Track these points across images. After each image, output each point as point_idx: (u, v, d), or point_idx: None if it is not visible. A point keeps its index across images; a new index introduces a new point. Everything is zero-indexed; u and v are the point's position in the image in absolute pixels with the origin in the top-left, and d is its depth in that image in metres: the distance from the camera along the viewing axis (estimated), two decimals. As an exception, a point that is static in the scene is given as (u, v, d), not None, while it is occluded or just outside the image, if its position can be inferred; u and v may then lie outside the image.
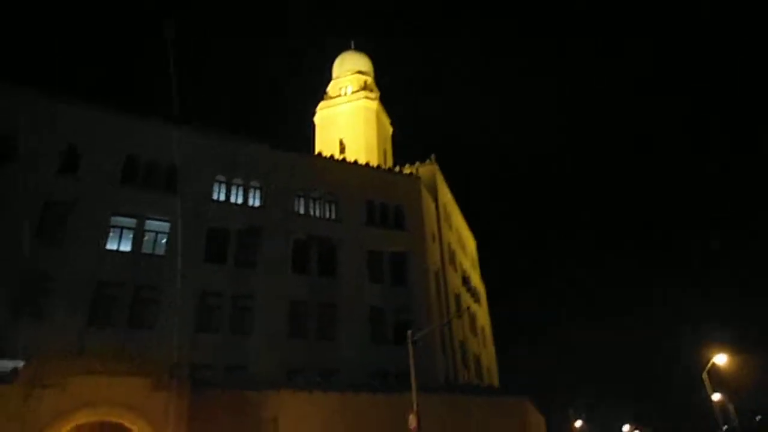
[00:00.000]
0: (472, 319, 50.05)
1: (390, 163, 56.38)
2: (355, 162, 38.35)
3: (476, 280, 57.25)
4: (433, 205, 42.93)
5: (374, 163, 46.44)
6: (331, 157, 37.07)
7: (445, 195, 47.71)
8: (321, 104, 58.94)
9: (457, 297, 44.64)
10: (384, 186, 37.74)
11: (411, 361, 20.03)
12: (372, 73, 62.83)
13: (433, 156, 46.18)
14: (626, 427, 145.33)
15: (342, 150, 54.23)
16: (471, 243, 59.07)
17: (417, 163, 46.48)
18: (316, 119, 58.65)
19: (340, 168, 36.95)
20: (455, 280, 44.42)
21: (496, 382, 57.25)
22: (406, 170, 44.45)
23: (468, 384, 34.68)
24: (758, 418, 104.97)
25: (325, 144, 55.59)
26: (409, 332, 20.59)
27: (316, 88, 63.02)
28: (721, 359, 45.42)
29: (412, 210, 38.06)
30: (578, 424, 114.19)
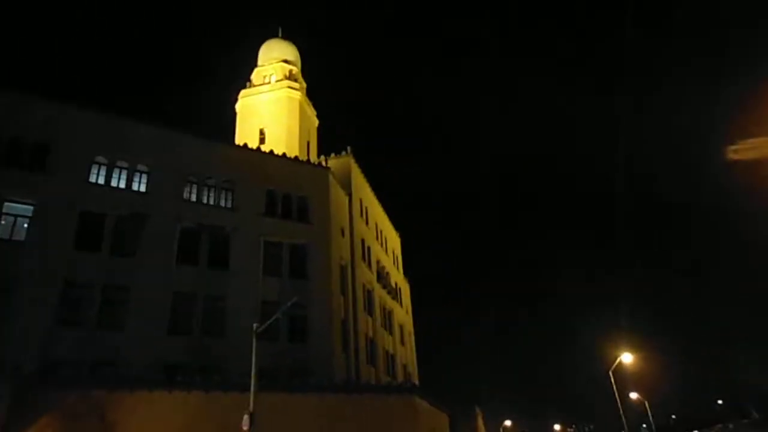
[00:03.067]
0: (388, 316, 49.19)
1: (314, 155, 54.72)
2: (258, 149, 36.67)
3: (398, 277, 56.52)
4: (345, 199, 41.66)
5: (295, 154, 44.71)
6: (231, 142, 35.07)
7: (362, 189, 46.59)
8: (243, 92, 56.48)
9: (369, 293, 43.58)
10: (288, 176, 36.09)
11: (253, 357, 18.54)
12: (299, 64, 60.93)
13: (349, 148, 44.98)
14: (557, 426, 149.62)
15: (262, 140, 52.04)
16: (394, 240, 58.29)
17: (332, 155, 45.13)
18: (238, 107, 56.15)
19: (240, 155, 35.05)
20: (367, 276, 43.33)
21: (415, 380, 56.72)
22: (330, 163, 43.00)
23: (357, 382, 33.47)
24: (673, 417, 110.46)
25: (245, 133, 53.22)
26: (255, 325, 19.08)
27: (244, 75, 60.13)
28: (627, 358, 46.64)
29: (317, 202, 36.60)
30: (508, 423, 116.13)
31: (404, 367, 52.37)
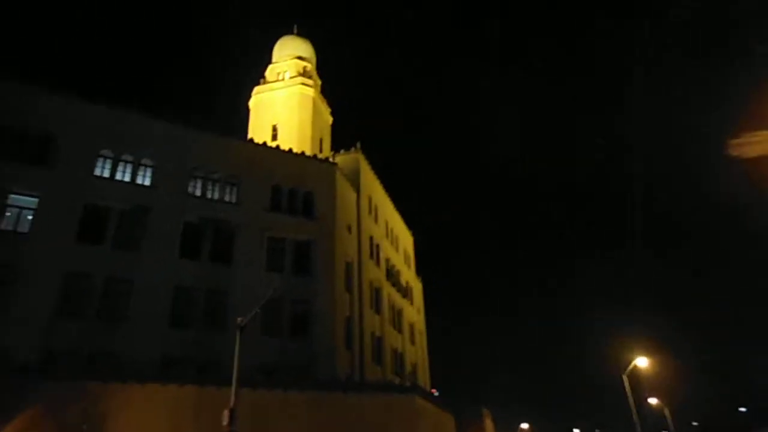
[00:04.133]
0: (397, 314, 48.65)
1: (327, 153, 54.50)
2: (264, 144, 36.37)
3: (409, 276, 55.92)
4: (353, 195, 41.26)
5: (308, 152, 44.52)
6: (239, 137, 34.95)
7: (372, 186, 46.13)
8: (257, 88, 56.58)
9: (377, 291, 43.11)
10: (294, 171, 35.85)
11: (237, 350, 18.24)
12: (313, 60, 60.79)
13: (358, 144, 44.55)
14: (576, 430, 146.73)
15: (275, 137, 52.04)
16: (406, 238, 57.69)
17: (341, 152, 44.79)
18: (251, 104, 56.26)
19: (246, 149, 34.91)
20: (375, 273, 42.86)
21: (426, 381, 56.07)
22: (338, 159, 42.68)
23: (356, 380, 33.01)
24: (694, 424, 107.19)
25: (258, 130, 53.30)
26: (239, 319, 18.76)
27: (258, 72, 60.28)
28: (642, 362, 45.14)
29: (323, 198, 36.27)
30: (525, 426, 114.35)
31: (414, 366, 51.75)
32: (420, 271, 63.43)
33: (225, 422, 15.65)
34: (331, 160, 39.86)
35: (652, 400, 77.80)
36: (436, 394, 59.17)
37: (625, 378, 45.01)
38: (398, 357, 46.32)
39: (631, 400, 43.87)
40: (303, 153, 37.78)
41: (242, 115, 57.51)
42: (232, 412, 15.87)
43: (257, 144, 36.08)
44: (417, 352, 53.66)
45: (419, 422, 27.32)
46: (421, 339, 57.48)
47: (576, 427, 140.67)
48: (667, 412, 76.39)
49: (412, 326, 53.68)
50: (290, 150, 37.20)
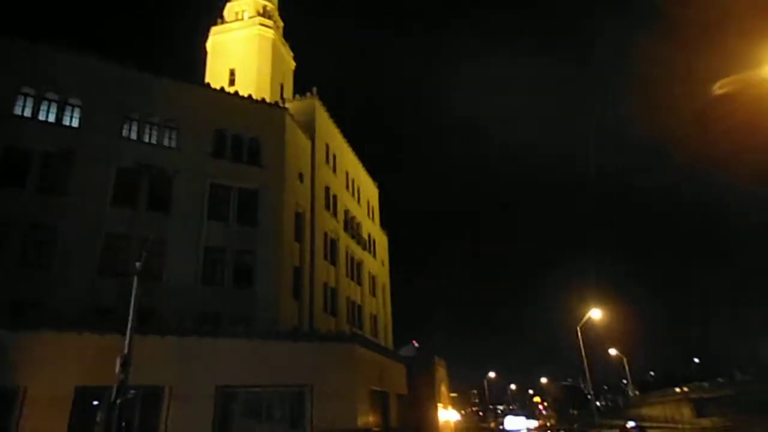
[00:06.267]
0: (357, 266, 48.15)
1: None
2: (207, 85, 34.43)
3: (372, 228, 55.16)
4: (307, 143, 39.69)
5: (267, 97, 42.37)
6: (178, 78, 32.76)
7: (329, 134, 44.47)
8: (214, 29, 53.34)
9: (333, 242, 42.30)
10: (240, 115, 34.03)
11: (133, 296, 17.28)
12: (276, 0, 57.48)
13: (314, 89, 42.54)
14: (544, 380, 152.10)
15: (232, 82, 49.46)
16: (370, 190, 56.54)
17: (296, 97, 42.84)
18: (209, 45, 53.17)
19: (187, 91, 32.84)
20: (331, 224, 41.90)
21: (387, 333, 56.41)
22: (288, 104, 40.75)
23: (299, 330, 32.51)
24: (651, 373, 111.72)
25: (215, 74, 50.55)
26: (137, 264, 17.69)
27: (217, 11, 56.76)
28: (595, 313, 45.73)
29: (272, 144, 34.69)
30: (492, 374, 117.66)
31: (374, 318, 51.84)
32: (388, 224, 62.88)
33: (117, 369, 14.81)
34: (281, 104, 37.94)
35: (612, 351, 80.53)
36: (417, 345, 59.84)
37: (578, 329, 45.74)
38: (356, 308, 46.11)
39: (582, 351, 44.79)
40: (249, 96, 35.80)
41: (201, 59, 54.59)
42: (125, 359, 15.00)
43: (199, 85, 34.07)
44: (378, 305, 53.62)
45: (359, 369, 27.08)
46: (384, 292, 57.38)
47: (544, 377, 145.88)
48: (625, 362, 78.90)
49: (374, 279, 53.39)
50: (236, 93, 35.23)
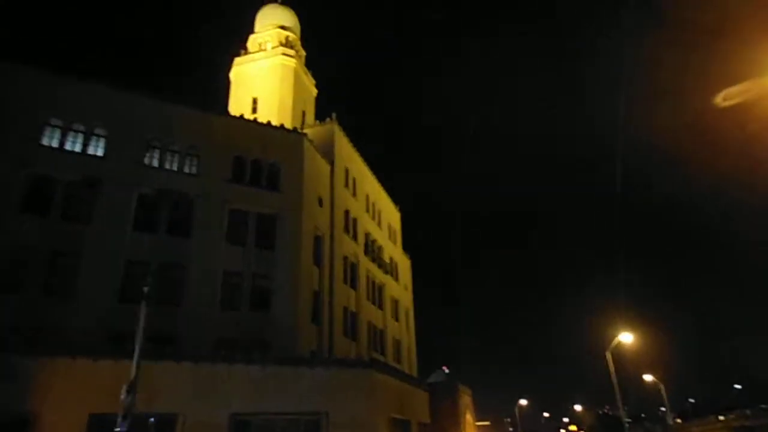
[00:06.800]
0: (378, 290, 47.67)
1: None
2: (227, 113, 35.02)
3: (394, 252, 54.76)
4: (326, 167, 39.90)
5: (289, 124, 43.03)
6: (198, 107, 33.50)
7: (349, 158, 44.68)
8: (237, 60, 54.93)
9: (353, 266, 42.05)
10: (259, 142, 34.49)
11: (141, 320, 17.18)
12: (297, 31, 58.85)
13: (333, 115, 42.98)
14: (578, 407, 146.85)
15: (255, 110, 50.60)
16: (391, 214, 56.34)
17: (316, 122, 43.31)
18: (232, 75, 54.69)
19: (207, 120, 33.50)
20: (351, 248, 41.72)
21: (411, 359, 55.39)
22: (307, 129, 41.28)
23: (316, 355, 32.10)
24: (690, 401, 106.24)
25: (238, 102, 51.86)
26: (145, 288, 17.67)
27: (240, 44, 58.50)
28: (626, 338, 43.78)
29: (290, 169, 34.97)
30: (523, 402, 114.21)
31: (397, 343, 50.99)
32: (412, 249, 62.38)
33: (122, 396, 14.70)
34: (300, 130, 38.37)
35: (648, 377, 76.81)
36: (447, 371, 58.56)
37: (608, 355, 43.79)
38: (377, 333, 45.45)
39: (614, 378, 42.68)
40: (269, 123, 36.36)
41: (225, 89, 56.05)
42: (130, 385, 14.90)
43: (219, 114, 34.70)
44: (401, 329, 52.80)
45: (378, 396, 26.43)
46: (408, 316, 56.59)
47: (578, 404, 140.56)
48: (662, 388, 75.25)
49: (396, 303, 52.74)
50: (254, 120, 35.83)
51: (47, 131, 28.78)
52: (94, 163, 29.30)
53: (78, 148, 29.30)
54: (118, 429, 14.19)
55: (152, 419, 21.13)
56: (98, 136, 30.08)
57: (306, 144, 36.48)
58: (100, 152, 29.78)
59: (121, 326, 26.81)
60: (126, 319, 27.04)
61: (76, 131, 29.54)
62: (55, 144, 28.78)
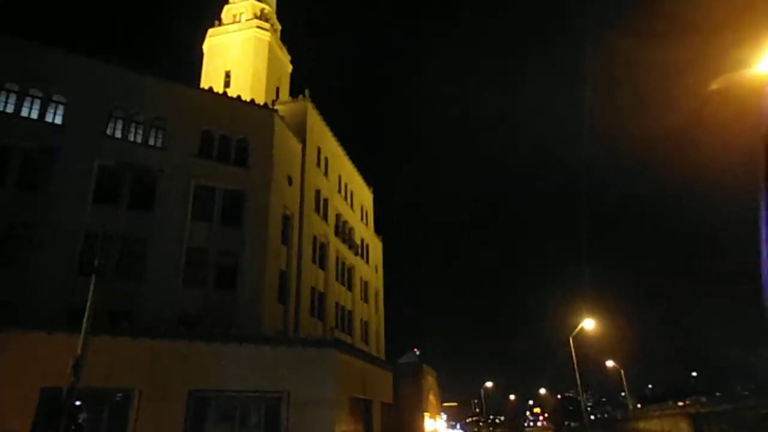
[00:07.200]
0: (348, 271, 47.60)
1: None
2: (196, 85, 34.04)
3: (365, 233, 54.64)
4: (297, 145, 39.28)
5: (262, 99, 42.03)
6: (165, 77, 32.42)
7: (322, 137, 44.08)
8: (211, 31, 53.19)
9: (323, 246, 41.79)
10: (228, 116, 33.65)
11: (90, 294, 16.79)
12: (273, 3, 57.36)
13: (306, 92, 42.21)
14: (543, 391, 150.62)
15: (228, 83, 49.29)
16: (363, 195, 56.06)
17: (288, 99, 42.51)
18: (205, 47, 53.01)
19: (175, 91, 32.49)
20: (321, 228, 41.40)
21: (379, 340, 55.75)
22: (278, 106, 40.44)
23: (282, 333, 31.94)
24: (650, 387, 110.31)
25: (211, 75, 50.42)
26: (96, 261, 17.16)
27: (215, 14, 56.70)
28: (589, 324, 44.88)
29: (260, 146, 34.28)
30: (489, 384, 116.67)
31: (365, 324, 51.19)
32: (385, 230, 62.34)
33: (68, 371, 14.31)
34: (271, 106, 37.58)
35: (609, 363, 79.40)
36: (418, 353, 58.99)
37: (571, 340, 44.88)
38: (345, 314, 45.50)
39: (575, 363, 43.88)
40: (239, 97, 35.50)
41: (198, 61, 54.43)
42: (77, 360, 14.50)
43: (186, 85, 33.71)
44: (370, 311, 52.99)
45: (339, 376, 26.45)
46: (377, 298, 56.77)
47: (543, 388, 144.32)
48: (623, 374, 77.76)
49: (366, 284, 52.81)
50: (224, 93, 34.93)
51: (2, 97, 27.47)
52: (52, 131, 28.16)
53: (35, 115, 28.09)
54: (64, 403, 13.80)
55: (120, 395, 20.86)
56: (57, 102, 28.87)
57: (277, 120, 35.78)
58: (58, 120, 28.62)
59: (81, 301, 26.05)
60: (85, 294, 26.52)
61: (33, 96, 28.29)
62: (10, 110, 27.51)
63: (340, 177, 47.91)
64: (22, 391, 19.53)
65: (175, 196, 30.38)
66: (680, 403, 65.65)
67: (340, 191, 47.46)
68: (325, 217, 42.79)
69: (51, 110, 28.59)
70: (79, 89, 29.19)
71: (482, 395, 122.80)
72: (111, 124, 30.06)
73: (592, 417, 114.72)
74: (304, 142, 40.02)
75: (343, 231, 46.90)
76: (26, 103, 28.04)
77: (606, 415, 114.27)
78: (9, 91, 27.72)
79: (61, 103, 28.89)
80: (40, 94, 28.40)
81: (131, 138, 30.52)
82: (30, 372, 19.89)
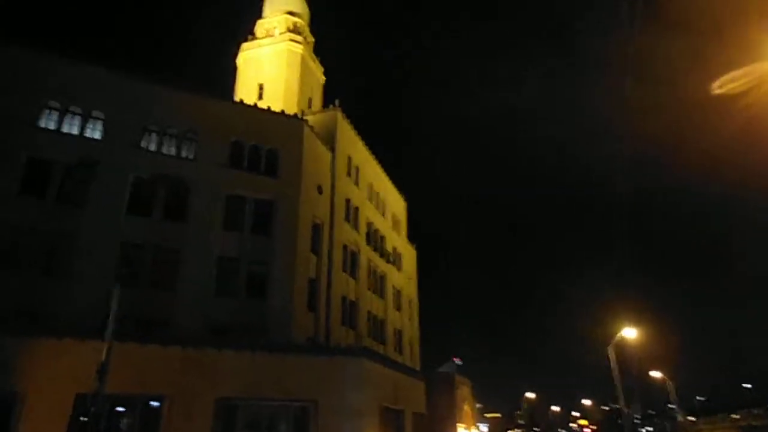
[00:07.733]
0: (379, 280, 47.40)
1: (316, 113, 52.44)
2: (226, 98, 34.82)
3: (397, 242, 54.38)
4: (327, 154, 39.54)
5: (295, 111, 42.68)
6: (197, 90, 33.32)
7: (352, 146, 44.24)
8: (244, 45, 54.63)
9: (353, 254, 41.78)
10: (257, 127, 34.23)
11: (114, 302, 17.13)
12: (306, 17, 58.33)
13: (336, 102, 42.54)
14: (587, 402, 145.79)
15: (261, 96, 50.39)
16: (397, 203, 55.87)
17: (319, 109, 42.90)
18: (239, 61, 54.44)
19: (206, 104, 33.29)
20: (351, 236, 41.43)
21: (414, 349, 55.23)
22: (309, 116, 40.91)
23: (312, 341, 32.02)
24: (698, 398, 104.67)
25: (245, 89, 51.67)
26: (123, 270, 17.51)
27: (248, 28, 58.16)
28: (629, 333, 42.97)
29: (289, 156, 34.67)
30: (530, 395, 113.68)
31: (398, 333, 50.78)
32: (419, 240, 61.98)
33: (93, 376, 14.64)
34: (300, 116, 38.00)
35: (655, 374, 75.64)
36: (459, 363, 58.21)
37: (610, 350, 43.05)
38: (377, 323, 45.25)
39: (615, 374, 41.98)
40: (268, 108, 36.09)
41: (232, 75, 55.85)
42: (101, 367, 14.82)
43: (217, 98, 34.51)
44: (403, 319, 52.55)
45: (369, 385, 26.18)
46: (411, 307, 56.31)
47: (586, 398, 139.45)
48: (671, 385, 74.01)
49: (399, 293, 52.45)
50: (254, 105, 35.57)
51: (45, 113, 28.82)
52: (91, 146, 29.31)
53: (75, 131, 29.33)
54: (89, 409, 14.13)
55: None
56: (96, 118, 30.08)
57: (306, 130, 36.13)
58: (97, 135, 29.79)
59: (122, 308, 27.07)
60: (122, 302, 27.34)
61: (74, 113, 29.56)
62: (52, 126, 28.83)
63: (371, 185, 47.93)
64: (58, 397, 20.17)
65: (206, 207, 31.04)
66: (733, 416, 62.09)
67: (371, 199, 47.45)
68: (356, 226, 42.82)
69: (90, 126, 29.79)
70: (116, 105, 30.33)
71: (524, 405, 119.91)
72: (146, 138, 31.05)
73: (642, 431, 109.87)
74: (333, 151, 40.25)
75: (375, 239, 46.80)
76: (67, 119, 29.29)
77: (653, 429, 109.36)
78: (51, 108, 29.04)
79: (100, 119, 30.06)
80: (80, 111, 29.64)
81: (165, 150, 31.44)
82: (65, 378, 20.52)
